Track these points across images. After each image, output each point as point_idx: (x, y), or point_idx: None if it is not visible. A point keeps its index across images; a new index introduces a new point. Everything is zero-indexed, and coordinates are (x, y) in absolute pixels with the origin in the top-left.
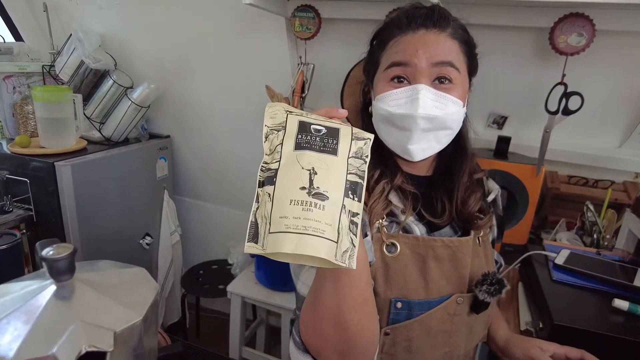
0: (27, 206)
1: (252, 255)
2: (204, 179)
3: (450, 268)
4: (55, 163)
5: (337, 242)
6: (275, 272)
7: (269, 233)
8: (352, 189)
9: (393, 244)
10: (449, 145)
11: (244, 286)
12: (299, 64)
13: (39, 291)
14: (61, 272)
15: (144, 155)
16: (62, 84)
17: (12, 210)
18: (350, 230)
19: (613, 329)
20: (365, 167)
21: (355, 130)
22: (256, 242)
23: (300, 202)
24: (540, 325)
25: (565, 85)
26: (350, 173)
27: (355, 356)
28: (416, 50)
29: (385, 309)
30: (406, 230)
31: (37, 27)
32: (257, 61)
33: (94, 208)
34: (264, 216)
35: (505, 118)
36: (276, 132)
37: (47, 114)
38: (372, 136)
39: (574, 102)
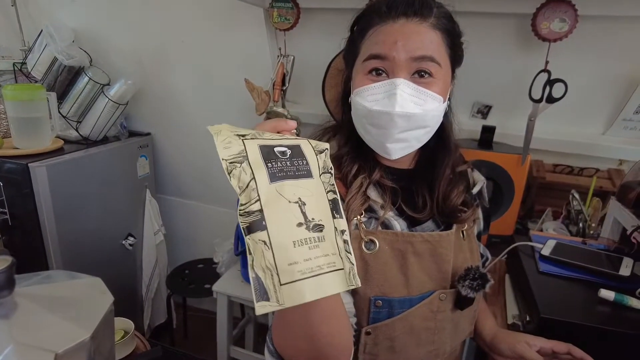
0: (1, 209)
1: (237, 254)
2: (187, 176)
3: (431, 263)
4: (29, 164)
5: (344, 269)
6: None
7: (282, 285)
8: (334, 207)
9: (372, 241)
10: (431, 138)
11: (230, 285)
12: (278, 56)
13: None
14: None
15: (124, 153)
16: (35, 82)
17: None
18: (346, 250)
19: (600, 321)
20: (333, 180)
21: (313, 142)
22: (268, 300)
23: (304, 241)
24: (527, 319)
25: (549, 73)
26: (327, 192)
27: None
28: (395, 42)
29: (365, 308)
30: (386, 225)
31: (7, 23)
32: (236, 54)
33: (72, 210)
34: (267, 268)
35: (489, 107)
36: (238, 164)
37: (20, 114)
38: (328, 145)
39: (557, 90)
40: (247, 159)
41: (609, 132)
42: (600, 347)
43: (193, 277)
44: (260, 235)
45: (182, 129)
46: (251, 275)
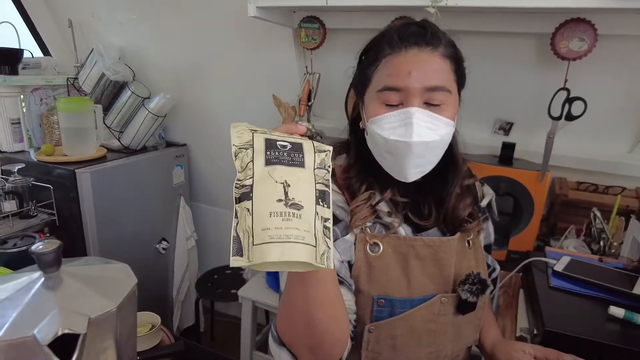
0: (50, 211)
1: None
2: (219, 185)
3: (432, 267)
4: (76, 170)
5: (315, 246)
6: None
7: (253, 245)
8: (321, 197)
9: (376, 244)
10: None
11: (255, 291)
12: (305, 74)
13: (28, 282)
14: (48, 264)
15: (161, 162)
16: (85, 95)
17: (36, 214)
18: (325, 235)
19: (607, 337)
20: (329, 176)
21: (316, 143)
22: (241, 255)
23: (279, 214)
24: (535, 332)
25: (568, 91)
26: (317, 183)
27: (324, 351)
28: (409, 73)
29: (368, 306)
30: (390, 230)
31: (63, 42)
32: (266, 71)
33: (112, 213)
34: (245, 230)
35: (511, 124)
36: (244, 150)
37: (70, 124)
38: (330, 148)
39: (576, 108)
40: (252, 147)
41: (636, 150)
42: None
43: (221, 282)
44: (246, 204)
45: (216, 140)
46: (233, 234)
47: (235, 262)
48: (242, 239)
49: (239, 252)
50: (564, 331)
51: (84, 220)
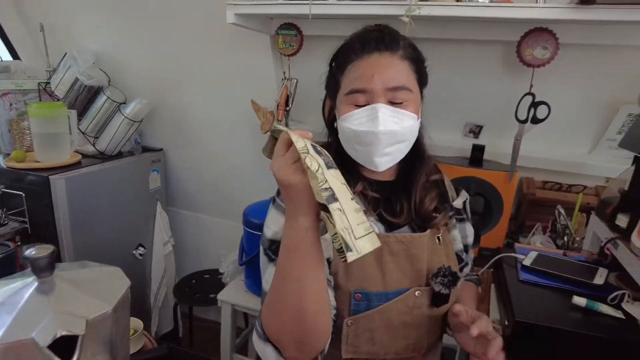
0: (22, 219)
1: (242, 264)
2: (196, 190)
3: (406, 262)
4: (49, 177)
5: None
6: None
7: (356, 239)
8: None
9: None
10: (408, 152)
11: (234, 294)
12: (282, 79)
13: (22, 286)
14: (42, 269)
15: (137, 167)
16: (58, 100)
17: (7, 222)
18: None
19: (571, 324)
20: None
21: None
22: (351, 251)
23: (357, 209)
24: (506, 323)
25: (533, 96)
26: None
27: (310, 345)
28: (372, 76)
29: (346, 300)
30: None
31: (34, 46)
32: (243, 76)
33: (88, 220)
34: (345, 228)
35: (480, 127)
36: (306, 154)
37: (43, 129)
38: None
39: (541, 111)
40: (309, 152)
41: (595, 151)
42: (572, 350)
43: (199, 286)
44: (336, 205)
45: (193, 145)
46: (339, 235)
47: (351, 257)
48: (344, 236)
49: (349, 249)
50: (532, 321)
51: (58, 227)
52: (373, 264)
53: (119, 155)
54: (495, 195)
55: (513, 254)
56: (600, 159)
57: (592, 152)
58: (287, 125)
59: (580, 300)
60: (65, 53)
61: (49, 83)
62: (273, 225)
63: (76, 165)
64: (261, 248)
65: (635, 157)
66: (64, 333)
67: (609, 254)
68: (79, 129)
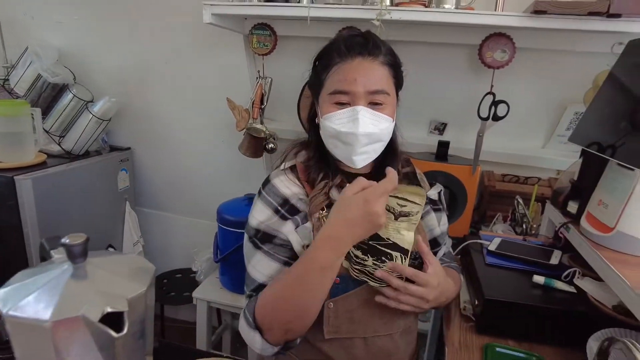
0: None
1: (217, 261)
2: (166, 189)
3: None
4: (14, 177)
5: None
6: (240, 276)
7: None
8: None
9: None
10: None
11: (210, 291)
12: (257, 78)
13: (60, 272)
14: (77, 255)
15: (105, 167)
16: (17, 97)
17: None
18: None
19: (533, 300)
20: None
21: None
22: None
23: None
24: (476, 302)
25: (494, 95)
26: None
27: (299, 330)
28: (355, 79)
29: None
30: None
31: None
32: (217, 75)
33: (55, 221)
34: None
35: (445, 125)
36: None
37: (5, 129)
38: None
39: (501, 109)
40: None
41: (548, 146)
42: (533, 321)
43: (171, 286)
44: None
45: (163, 144)
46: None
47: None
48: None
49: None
50: (499, 298)
51: (25, 229)
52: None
53: (86, 154)
54: (459, 187)
55: (479, 241)
56: (553, 153)
57: (545, 147)
58: (262, 123)
59: (539, 279)
60: (27, 48)
61: (7, 80)
62: (259, 215)
63: (42, 165)
64: (246, 236)
65: (583, 150)
66: (110, 310)
67: (562, 238)
68: (43, 128)
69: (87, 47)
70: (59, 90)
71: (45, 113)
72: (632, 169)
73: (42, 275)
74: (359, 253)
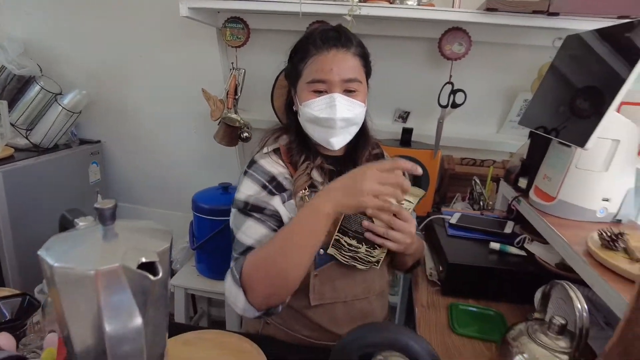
0: None
1: (194, 248)
2: (138, 182)
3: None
4: None
5: None
6: (217, 263)
7: None
8: None
9: None
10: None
11: (187, 279)
12: (231, 69)
13: (93, 231)
14: (107, 218)
15: (76, 160)
16: None
17: None
18: None
19: (490, 263)
20: None
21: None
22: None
23: None
24: (440, 269)
25: (452, 84)
26: None
27: (281, 298)
28: (331, 69)
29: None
30: None
31: None
32: (190, 67)
33: (27, 216)
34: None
35: (408, 113)
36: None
37: None
38: None
39: (459, 98)
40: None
41: (501, 131)
42: (491, 281)
43: None
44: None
45: (134, 136)
46: None
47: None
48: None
49: None
50: (461, 262)
51: None
52: (331, 226)
53: (55, 148)
54: (422, 170)
55: (441, 216)
56: (506, 137)
57: (499, 132)
58: (236, 113)
59: (495, 246)
60: None
61: None
62: (247, 190)
63: (9, 159)
64: (234, 210)
65: (531, 132)
66: (144, 260)
67: (514, 210)
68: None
69: (53, 39)
70: (24, 83)
71: (10, 106)
72: (570, 146)
73: (78, 237)
74: (353, 242)
